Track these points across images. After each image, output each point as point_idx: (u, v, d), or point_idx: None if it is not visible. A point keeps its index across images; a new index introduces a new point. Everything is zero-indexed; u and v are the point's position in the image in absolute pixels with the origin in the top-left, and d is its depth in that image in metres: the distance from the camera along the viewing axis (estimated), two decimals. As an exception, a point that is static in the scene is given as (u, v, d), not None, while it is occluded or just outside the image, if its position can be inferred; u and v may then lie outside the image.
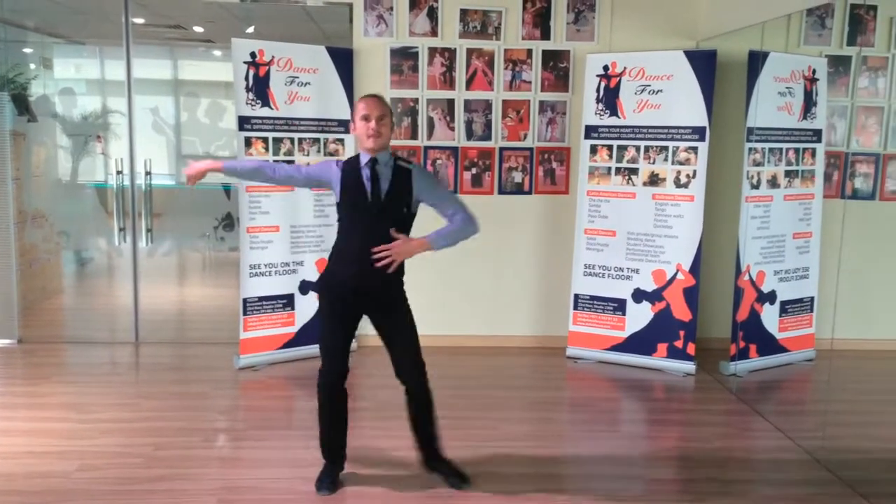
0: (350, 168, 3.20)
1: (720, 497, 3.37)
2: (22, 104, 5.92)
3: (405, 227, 3.22)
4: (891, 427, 4.34)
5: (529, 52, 5.34)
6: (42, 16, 6.36)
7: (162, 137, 6.74)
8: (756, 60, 4.80)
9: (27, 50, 6.45)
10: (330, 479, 3.34)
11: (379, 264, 3.12)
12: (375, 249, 3.11)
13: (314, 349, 5.16)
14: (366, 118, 3.14)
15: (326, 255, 5.16)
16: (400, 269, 3.22)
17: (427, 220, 3.33)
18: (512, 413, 4.30)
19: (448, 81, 5.35)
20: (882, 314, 5.39)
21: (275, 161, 5.00)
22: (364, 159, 3.19)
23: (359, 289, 3.20)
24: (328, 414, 3.35)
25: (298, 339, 5.18)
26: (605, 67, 5.13)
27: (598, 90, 5.16)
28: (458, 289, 5.51)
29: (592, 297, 5.24)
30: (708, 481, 3.52)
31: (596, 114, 5.17)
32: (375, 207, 3.15)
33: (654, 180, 5.05)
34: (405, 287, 3.31)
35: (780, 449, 3.91)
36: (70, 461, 3.56)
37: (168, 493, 3.28)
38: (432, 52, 5.33)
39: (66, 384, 4.68)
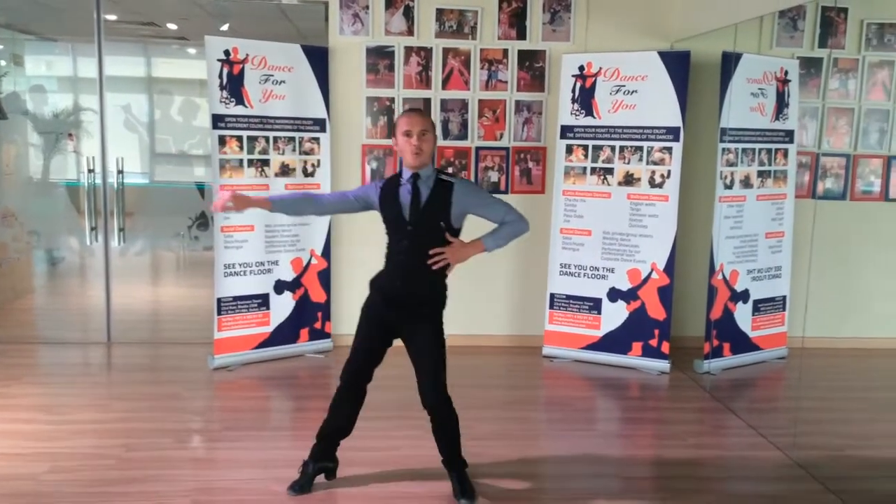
0: (390, 185, 3.21)
1: (694, 494, 3.40)
2: None
3: (445, 243, 3.17)
4: (861, 424, 4.41)
5: (505, 51, 5.35)
6: (13, 12, 6.26)
7: (134, 135, 6.68)
8: (729, 62, 4.85)
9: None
10: (304, 480, 3.32)
11: (435, 266, 3.12)
12: (432, 252, 3.10)
13: (289, 349, 5.20)
14: (408, 134, 3.10)
15: (302, 255, 5.20)
16: (438, 291, 3.23)
17: (473, 228, 3.28)
18: (487, 412, 4.30)
19: (424, 81, 5.35)
20: (852, 313, 5.48)
21: (249, 160, 4.98)
22: (406, 175, 3.17)
23: (395, 301, 3.21)
24: (332, 403, 3.36)
25: (273, 339, 5.15)
26: (581, 68, 5.15)
27: (573, 90, 5.18)
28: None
29: (568, 297, 5.26)
30: (682, 479, 3.55)
31: (572, 114, 5.19)
32: (413, 223, 3.13)
33: (629, 180, 5.08)
34: (443, 310, 3.28)
35: (752, 446, 3.95)
36: (40, 463, 3.51)
37: (141, 495, 3.24)
38: (408, 51, 5.32)
39: (38, 385, 4.62)
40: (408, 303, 3.20)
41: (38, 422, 4.00)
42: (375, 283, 3.31)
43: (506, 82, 5.37)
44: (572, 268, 5.23)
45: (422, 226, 3.13)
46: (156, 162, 6.85)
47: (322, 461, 3.37)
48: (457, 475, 3.28)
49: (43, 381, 4.75)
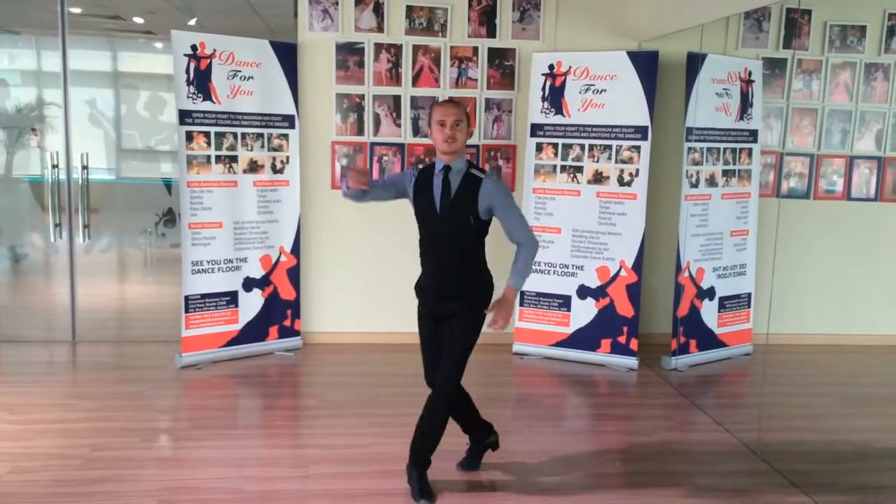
0: (424, 175, 3.26)
1: (661, 488, 3.44)
2: None
3: (475, 236, 3.22)
4: (824, 419, 4.49)
5: (475, 49, 5.36)
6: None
7: (100, 131, 6.56)
8: (695, 62, 4.91)
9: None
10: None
11: (495, 328, 3.19)
12: (489, 324, 3.18)
13: (259, 347, 5.17)
14: (441, 123, 3.13)
15: (272, 252, 5.17)
16: (475, 284, 3.26)
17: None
18: (458, 409, 4.31)
19: (394, 78, 5.34)
20: (814, 309, 5.58)
21: (217, 156, 4.95)
22: (439, 166, 3.21)
23: (437, 292, 3.25)
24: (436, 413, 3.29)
25: (242, 337, 5.12)
26: (551, 66, 5.18)
27: (543, 89, 5.21)
28: (401, 285, 5.49)
29: (538, 294, 5.29)
30: (650, 474, 3.60)
31: (542, 112, 5.22)
32: (442, 216, 3.19)
33: (598, 178, 5.13)
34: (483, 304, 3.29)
35: (718, 441, 4.01)
36: (1, 464, 3.45)
37: (106, 495, 3.21)
38: (378, 47, 5.31)
39: (0, 384, 4.54)
40: (449, 293, 3.22)
41: (1, 422, 3.93)
42: (419, 289, 3.35)
43: (476, 80, 5.39)
44: (542, 265, 5.26)
45: (452, 218, 3.18)
46: (122, 158, 6.74)
47: (481, 440, 3.55)
48: (417, 475, 3.27)
49: (6, 380, 4.66)
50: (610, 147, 5.09)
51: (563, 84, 5.17)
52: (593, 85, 5.11)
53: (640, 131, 5.00)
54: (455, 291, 3.21)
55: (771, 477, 3.60)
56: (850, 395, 4.92)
